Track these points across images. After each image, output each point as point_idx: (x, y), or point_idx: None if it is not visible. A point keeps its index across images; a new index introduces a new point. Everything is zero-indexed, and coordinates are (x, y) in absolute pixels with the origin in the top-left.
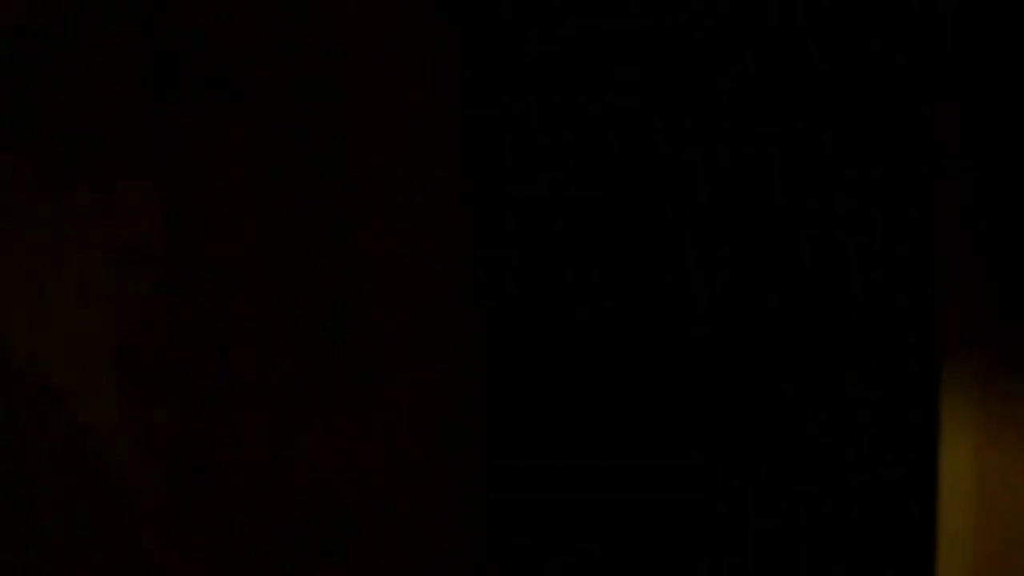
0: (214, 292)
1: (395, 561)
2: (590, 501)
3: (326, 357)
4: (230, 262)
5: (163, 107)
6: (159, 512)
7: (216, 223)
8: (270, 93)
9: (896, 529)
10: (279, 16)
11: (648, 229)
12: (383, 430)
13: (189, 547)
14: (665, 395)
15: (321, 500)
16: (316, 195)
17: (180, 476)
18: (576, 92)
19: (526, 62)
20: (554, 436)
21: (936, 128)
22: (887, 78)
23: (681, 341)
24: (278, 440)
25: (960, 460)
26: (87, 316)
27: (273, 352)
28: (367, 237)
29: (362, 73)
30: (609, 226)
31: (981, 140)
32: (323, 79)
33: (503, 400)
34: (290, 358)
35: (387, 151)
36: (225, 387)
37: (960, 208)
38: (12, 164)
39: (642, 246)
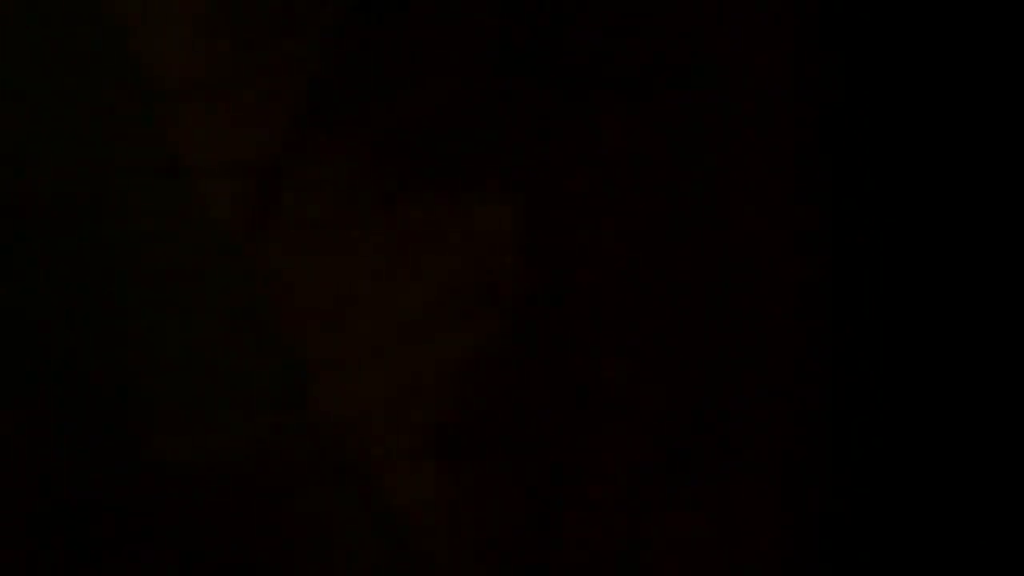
0: (573, 340)
1: None
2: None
3: (687, 423)
4: (596, 301)
5: (521, 98)
6: None
7: (584, 250)
8: (642, 84)
9: None
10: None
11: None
12: (745, 511)
13: None
14: None
15: None
16: (690, 215)
17: None
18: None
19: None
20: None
21: None
22: None
23: None
24: (626, 539)
25: None
26: (416, 367)
27: (633, 418)
28: (740, 268)
29: (735, 69)
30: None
31: None
32: (694, 70)
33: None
34: (650, 427)
35: (758, 161)
36: (573, 465)
37: None
38: (344, 169)
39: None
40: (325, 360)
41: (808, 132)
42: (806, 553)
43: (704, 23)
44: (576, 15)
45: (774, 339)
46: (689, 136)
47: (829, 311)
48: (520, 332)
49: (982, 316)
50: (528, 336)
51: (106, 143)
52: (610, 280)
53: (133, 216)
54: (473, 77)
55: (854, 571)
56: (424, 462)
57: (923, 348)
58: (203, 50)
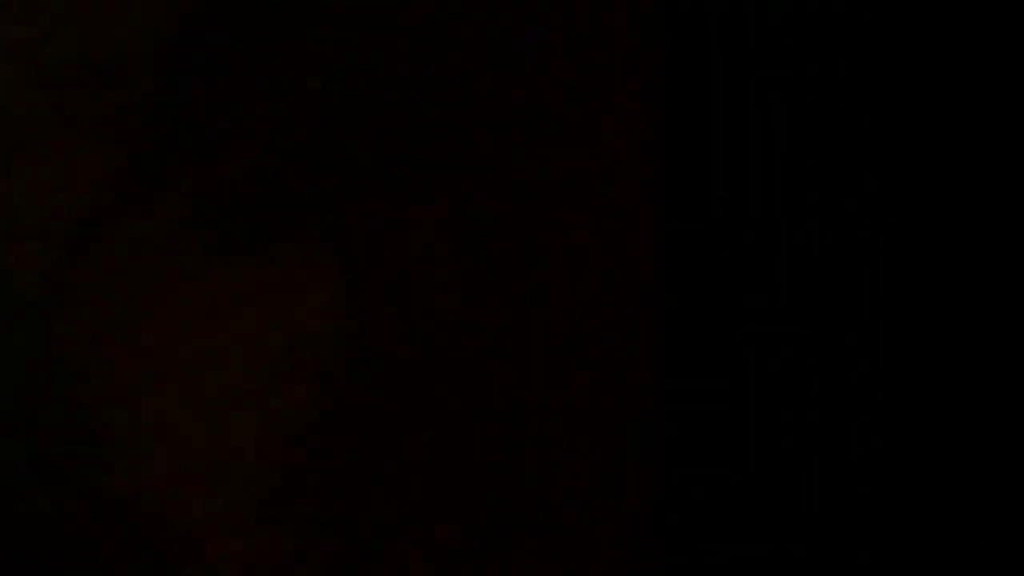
0: (391, 410)
1: None
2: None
3: (507, 494)
4: (414, 372)
5: (343, 163)
6: None
7: (403, 319)
8: (467, 151)
9: None
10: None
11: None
12: None
13: None
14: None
15: None
16: (512, 285)
17: None
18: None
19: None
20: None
21: None
22: None
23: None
24: None
25: None
26: (231, 435)
27: (452, 489)
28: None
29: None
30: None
31: None
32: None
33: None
34: (469, 499)
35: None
36: (390, 535)
37: None
38: (158, 233)
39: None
40: (134, 430)
41: (637, 198)
42: None
43: (529, 92)
44: (400, 81)
45: (601, 415)
46: (514, 204)
47: (664, 382)
48: (336, 401)
49: (823, 325)
50: (344, 405)
51: None
52: (429, 351)
53: None
54: (295, 140)
55: None
56: (238, 532)
57: (762, 362)
58: (5, 108)
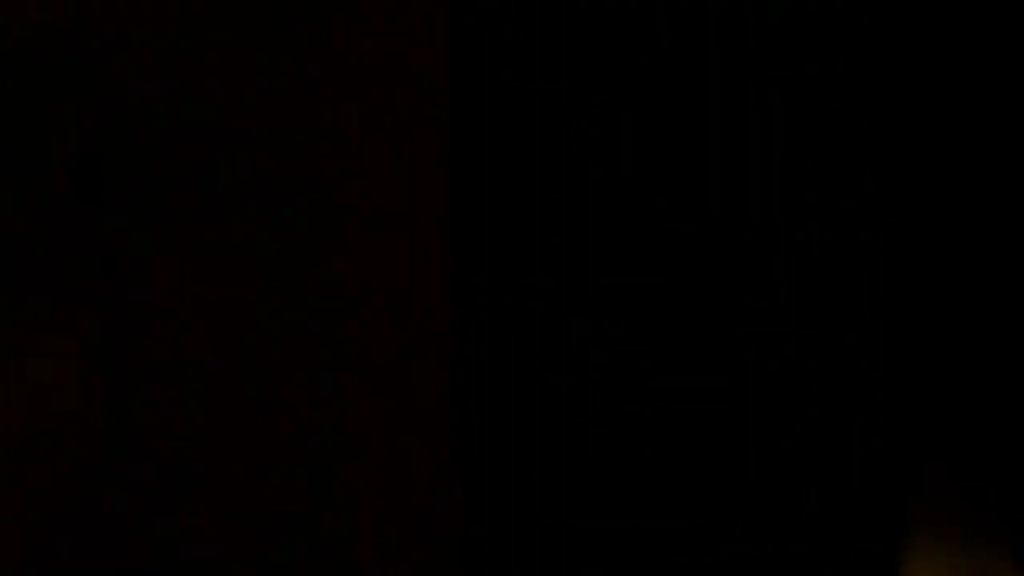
0: (157, 486)
1: None
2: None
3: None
4: (182, 443)
5: (105, 214)
6: None
7: (169, 382)
8: (244, 189)
9: None
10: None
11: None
12: None
13: None
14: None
15: None
16: (271, 355)
17: None
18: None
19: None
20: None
21: None
22: None
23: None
24: None
25: None
26: None
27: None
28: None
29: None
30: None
31: None
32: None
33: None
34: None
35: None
36: None
37: None
38: None
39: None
40: None
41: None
42: None
43: (290, 140)
44: (152, 143)
45: (395, 472)
46: (274, 250)
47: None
48: (89, 480)
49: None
50: (97, 484)
51: None
52: (186, 430)
53: None
54: (39, 204)
55: None
56: None
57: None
58: None
